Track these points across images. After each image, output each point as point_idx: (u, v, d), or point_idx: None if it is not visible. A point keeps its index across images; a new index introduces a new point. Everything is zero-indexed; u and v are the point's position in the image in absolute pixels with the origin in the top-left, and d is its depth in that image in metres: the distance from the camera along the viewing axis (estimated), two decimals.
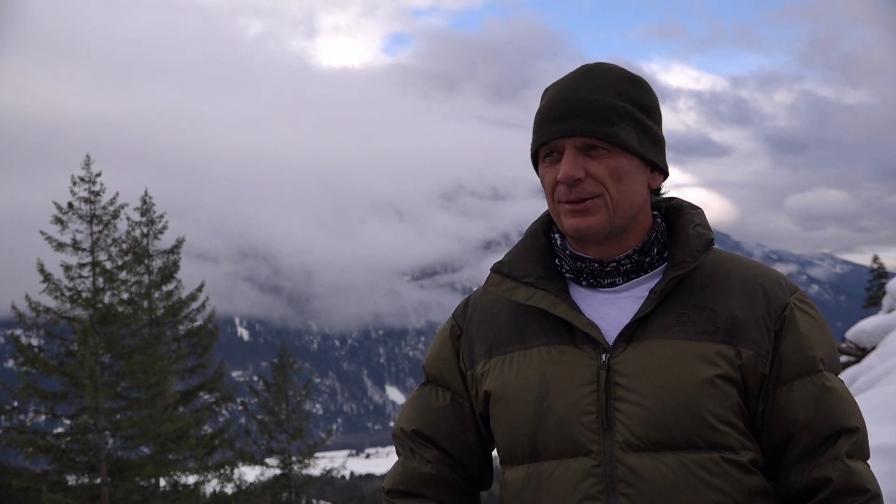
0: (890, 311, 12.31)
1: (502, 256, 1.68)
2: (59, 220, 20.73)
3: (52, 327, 20.68)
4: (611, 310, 1.57)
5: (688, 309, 1.53)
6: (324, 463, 28.80)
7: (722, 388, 1.48)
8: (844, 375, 8.98)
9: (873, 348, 10.37)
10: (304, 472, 27.15)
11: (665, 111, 1.70)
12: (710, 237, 1.57)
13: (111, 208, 21.09)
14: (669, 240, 1.62)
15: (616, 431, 1.48)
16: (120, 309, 20.83)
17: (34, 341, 21.11)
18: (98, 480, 19.79)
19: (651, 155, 1.57)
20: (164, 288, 22.98)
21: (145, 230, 23.34)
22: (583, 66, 1.62)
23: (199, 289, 23.83)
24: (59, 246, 20.69)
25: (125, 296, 21.28)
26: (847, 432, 1.50)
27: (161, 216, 23.69)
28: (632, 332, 1.52)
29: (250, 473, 25.17)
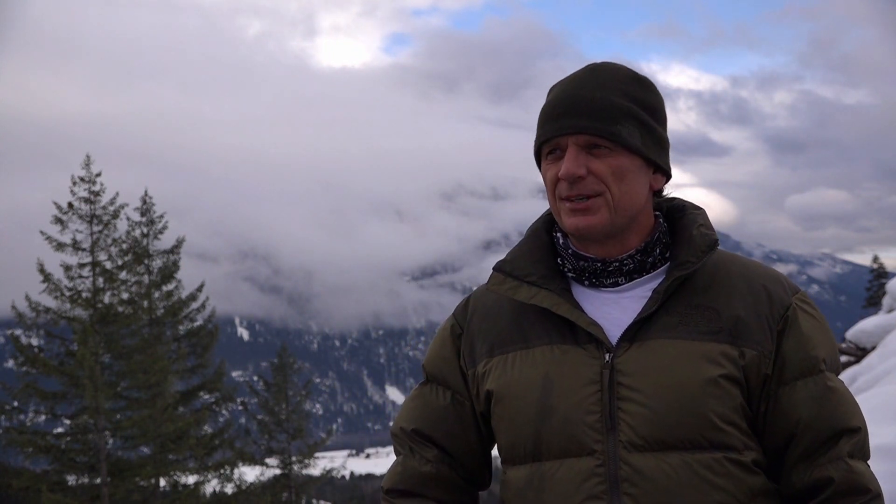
0: (890, 311, 12.31)
1: (504, 255, 1.68)
2: (59, 220, 20.74)
3: (52, 327, 20.69)
4: (613, 309, 1.57)
5: (691, 309, 1.53)
6: (324, 463, 28.80)
7: (725, 388, 1.48)
8: (844, 375, 8.98)
9: (873, 348, 10.37)
10: (304, 472, 27.15)
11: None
12: (714, 238, 1.58)
13: (111, 208, 21.10)
14: (671, 240, 1.62)
15: (620, 431, 1.48)
16: (120, 309, 20.84)
17: (34, 341, 21.11)
18: (98, 480, 19.79)
19: (654, 156, 1.57)
20: (164, 288, 22.99)
21: (145, 230, 23.35)
22: (589, 65, 1.62)
23: (199, 289, 23.84)
24: (59, 246, 20.69)
25: (125, 296, 21.29)
26: (849, 432, 1.51)
27: (161, 216, 23.71)
28: (635, 332, 1.52)
29: (250, 473, 25.17)
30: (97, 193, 20.99)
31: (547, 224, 1.69)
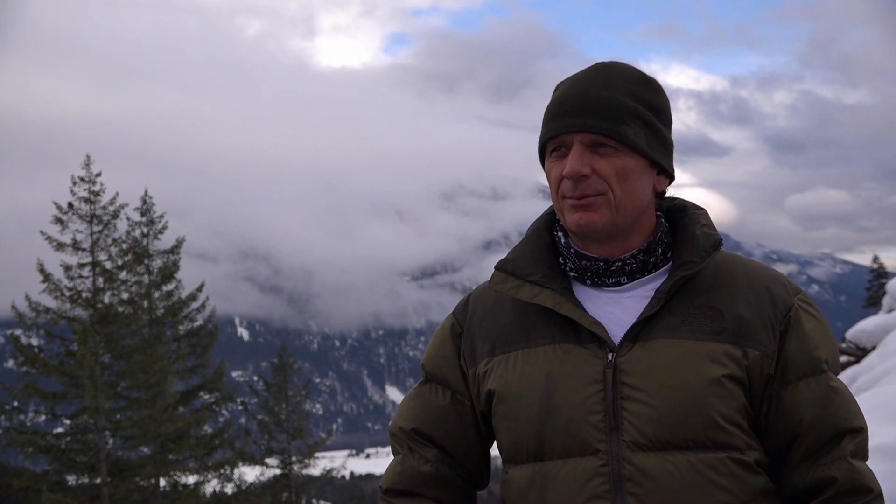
0: (890, 311, 12.31)
1: (506, 255, 1.67)
2: (59, 220, 20.74)
3: (52, 327, 20.68)
4: (615, 309, 1.56)
5: (694, 309, 1.53)
6: (324, 463, 28.79)
7: (729, 388, 1.48)
8: (844, 375, 8.98)
9: (873, 348, 10.36)
10: (304, 472, 27.15)
11: None
12: (717, 238, 1.57)
13: (111, 208, 21.10)
14: (673, 240, 1.62)
15: (623, 431, 1.47)
16: (120, 309, 20.84)
17: (34, 341, 21.11)
18: (98, 480, 19.79)
19: (658, 157, 1.57)
20: (164, 288, 22.99)
21: (145, 230, 23.36)
22: (597, 64, 1.61)
23: (199, 289, 23.84)
24: (59, 246, 20.69)
25: (125, 296, 21.29)
26: (851, 432, 1.51)
27: (161, 216, 23.72)
28: (638, 332, 1.52)
29: (250, 473, 25.16)
30: (97, 193, 20.99)
31: (548, 223, 1.69)
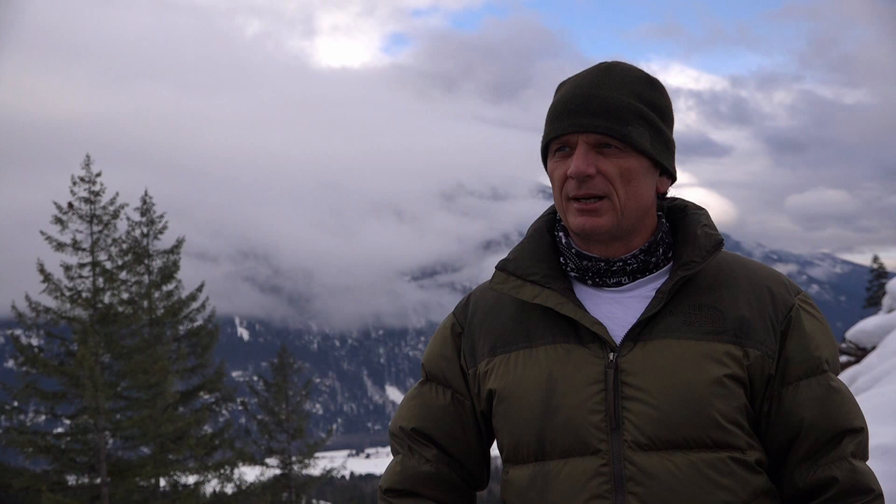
0: (890, 311, 12.31)
1: (506, 254, 1.67)
2: (59, 220, 20.73)
3: (52, 327, 20.68)
4: (616, 309, 1.56)
5: (695, 309, 1.53)
6: (324, 463, 28.79)
7: (730, 388, 1.48)
8: (844, 375, 8.98)
9: (873, 348, 10.37)
10: (304, 472, 27.14)
11: None
12: (718, 238, 1.58)
13: (111, 208, 21.10)
14: (674, 240, 1.62)
15: (624, 430, 1.48)
16: (120, 309, 20.83)
17: (34, 341, 21.10)
18: (98, 480, 19.79)
19: (662, 158, 1.57)
20: (164, 288, 23.00)
21: (145, 230, 23.37)
22: (601, 64, 1.61)
23: (199, 289, 23.84)
24: (59, 246, 20.69)
25: (125, 296, 21.29)
26: (852, 432, 1.51)
27: (161, 216, 23.75)
28: (639, 332, 1.52)
29: (250, 473, 25.15)
30: (97, 193, 20.99)
31: (548, 223, 1.69)
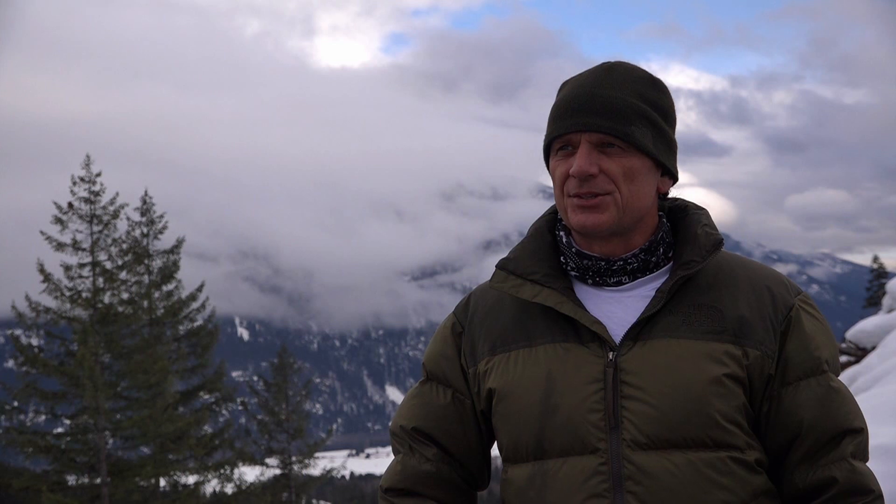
0: (890, 311, 12.31)
1: (507, 254, 1.67)
2: (59, 220, 20.73)
3: (52, 327, 20.67)
4: (616, 308, 1.57)
5: (695, 308, 1.53)
6: (324, 463, 28.78)
7: (729, 388, 1.48)
8: (844, 375, 8.98)
9: (873, 348, 10.37)
10: (304, 472, 27.14)
11: None
12: (718, 237, 1.58)
13: (111, 208, 21.10)
14: (674, 239, 1.62)
15: (623, 429, 1.48)
16: (120, 309, 20.83)
17: (34, 341, 21.09)
18: (98, 480, 19.79)
19: (664, 158, 1.58)
20: (164, 288, 22.99)
21: (145, 230, 23.37)
22: (604, 64, 1.61)
23: (199, 289, 23.83)
24: (59, 246, 20.69)
25: (125, 296, 21.28)
26: (852, 433, 1.51)
27: (161, 216, 23.73)
28: (638, 331, 1.53)
29: (250, 473, 25.15)
30: (97, 193, 20.98)
31: (549, 223, 1.69)
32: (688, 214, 1.64)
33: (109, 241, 20.97)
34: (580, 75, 1.61)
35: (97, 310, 20.40)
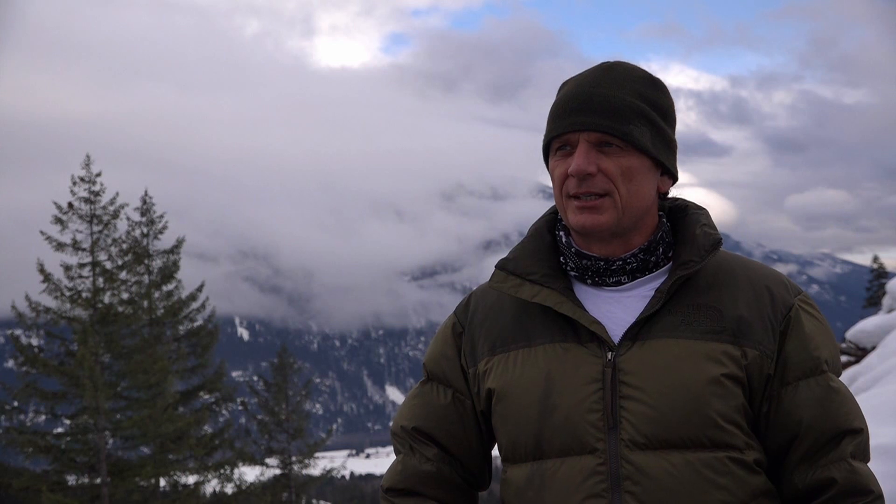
0: (890, 311, 12.32)
1: (506, 254, 1.67)
2: (59, 220, 20.73)
3: (52, 327, 20.67)
4: (616, 308, 1.56)
5: (694, 308, 1.53)
6: (324, 463, 28.77)
7: (728, 388, 1.48)
8: (844, 375, 8.98)
9: (873, 348, 10.37)
10: (304, 472, 27.14)
11: None
12: (717, 237, 1.58)
13: (111, 208, 21.10)
14: (674, 239, 1.62)
15: (622, 429, 1.47)
16: (120, 309, 20.83)
17: (34, 341, 21.09)
18: (98, 480, 19.79)
19: (663, 157, 1.58)
20: (164, 288, 22.99)
21: (145, 230, 23.37)
22: (603, 63, 1.62)
23: (199, 289, 23.83)
24: (59, 246, 20.69)
25: (125, 296, 21.28)
26: (851, 433, 1.51)
27: (161, 216, 23.74)
28: (637, 331, 1.52)
29: (250, 473, 25.15)
30: (97, 193, 20.99)
31: (549, 223, 1.69)
32: (687, 214, 1.64)
33: (109, 241, 20.97)
34: (579, 75, 1.61)
35: (97, 310, 20.40)
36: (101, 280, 20.66)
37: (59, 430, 21.02)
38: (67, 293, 20.39)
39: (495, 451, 1.73)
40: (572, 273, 1.62)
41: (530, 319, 1.61)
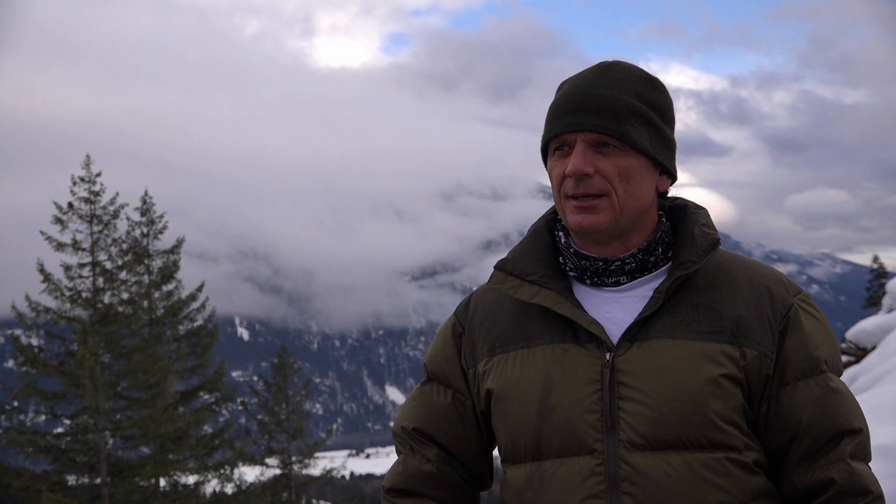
0: (890, 311, 12.32)
1: (506, 254, 1.67)
2: (59, 220, 20.72)
3: (52, 327, 20.66)
4: (615, 309, 1.56)
5: (692, 309, 1.53)
6: (324, 463, 28.77)
7: (727, 388, 1.47)
8: (844, 375, 8.97)
9: (873, 348, 10.38)
10: (304, 472, 27.13)
11: None
12: (715, 237, 1.57)
13: (111, 208, 21.09)
14: (673, 239, 1.61)
15: (620, 430, 1.47)
16: (120, 309, 20.82)
17: (34, 341, 21.08)
18: (98, 480, 19.78)
19: (661, 157, 1.57)
20: (164, 288, 22.99)
21: (145, 230, 23.37)
22: (601, 63, 1.61)
23: (199, 289, 23.83)
24: (59, 246, 20.68)
25: (125, 296, 21.27)
26: (851, 433, 1.50)
27: (161, 216, 23.73)
28: (636, 332, 1.52)
29: (250, 473, 25.15)
30: (97, 193, 20.98)
31: (549, 224, 1.69)
32: (687, 214, 1.63)
33: (109, 241, 20.96)
34: (577, 75, 1.61)
35: (97, 310, 20.39)
36: (101, 280, 20.65)
37: (59, 430, 21.01)
38: (67, 293, 20.38)
39: (497, 452, 1.73)
40: (571, 273, 1.62)
41: (530, 320, 1.60)
